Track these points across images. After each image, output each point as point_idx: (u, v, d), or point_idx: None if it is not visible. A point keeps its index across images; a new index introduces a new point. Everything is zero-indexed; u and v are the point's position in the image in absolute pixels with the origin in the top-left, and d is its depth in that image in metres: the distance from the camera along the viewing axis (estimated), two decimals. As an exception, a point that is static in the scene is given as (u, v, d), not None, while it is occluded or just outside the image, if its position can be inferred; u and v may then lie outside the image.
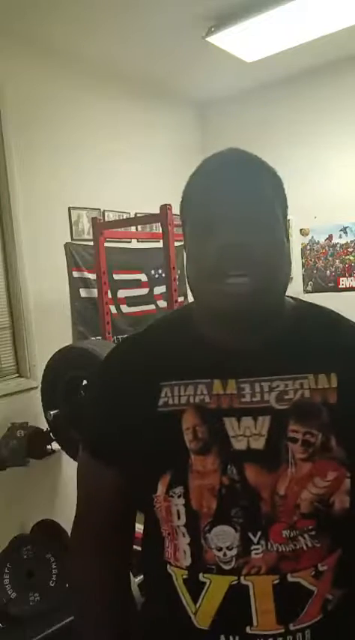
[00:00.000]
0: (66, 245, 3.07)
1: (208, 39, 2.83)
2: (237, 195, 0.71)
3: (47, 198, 2.95)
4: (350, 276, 3.63)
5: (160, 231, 2.46)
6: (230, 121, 4.02)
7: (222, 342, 0.76)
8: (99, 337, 2.91)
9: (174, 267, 2.37)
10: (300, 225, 3.79)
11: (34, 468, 2.56)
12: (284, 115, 3.75)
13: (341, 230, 3.62)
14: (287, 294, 0.82)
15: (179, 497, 0.72)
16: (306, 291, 3.82)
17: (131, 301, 3.48)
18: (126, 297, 3.45)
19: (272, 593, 0.71)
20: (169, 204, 2.35)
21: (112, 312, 3.16)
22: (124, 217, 3.36)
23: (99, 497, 0.84)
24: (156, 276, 3.63)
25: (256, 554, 0.70)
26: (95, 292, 3.00)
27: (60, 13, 2.55)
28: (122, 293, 3.42)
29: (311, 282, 3.80)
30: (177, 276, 2.45)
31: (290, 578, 0.71)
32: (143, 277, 3.58)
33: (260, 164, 0.77)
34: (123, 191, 3.37)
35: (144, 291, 3.60)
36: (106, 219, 3.24)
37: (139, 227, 3.35)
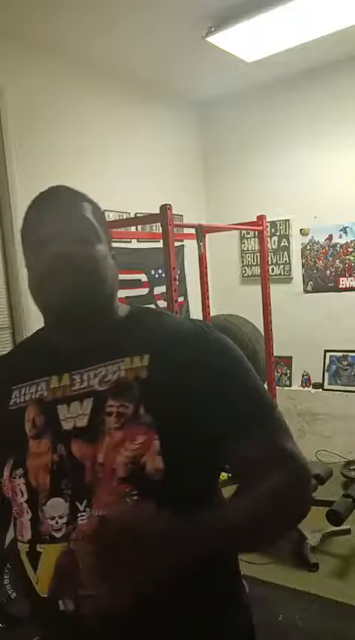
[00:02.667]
0: (66, 245, 3.07)
1: (208, 39, 2.83)
2: (61, 216, 0.86)
3: (47, 199, 2.95)
4: (350, 276, 3.62)
5: (160, 231, 2.46)
6: (230, 121, 4.02)
7: (59, 342, 0.90)
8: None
9: (174, 267, 2.37)
10: (300, 225, 3.79)
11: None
12: (284, 114, 3.75)
13: (341, 230, 3.62)
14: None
15: (20, 477, 0.83)
16: (306, 291, 3.82)
17: (131, 301, 3.47)
18: (126, 297, 3.45)
19: None
20: (169, 204, 2.35)
21: (112, 312, 3.15)
22: (124, 217, 3.36)
23: None
24: (156, 276, 3.63)
25: (82, 520, 0.78)
26: (95, 292, 3.00)
27: (60, 15, 2.55)
28: (122, 293, 3.39)
29: (311, 282, 3.80)
30: (177, 276, 2.45)
31: None
32: (143, 277, 3.58)
33: (81, 195, 0.92)
34: (123, 191, 3.37)
35: (144, 291, 3.60)
36: (106, 219, 3.24)
37: (139, 227, 3.35)
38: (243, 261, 4.13)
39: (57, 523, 0.79)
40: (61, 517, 0.79)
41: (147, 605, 0.73)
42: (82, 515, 0.78)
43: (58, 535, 0.79)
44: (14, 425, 0.86)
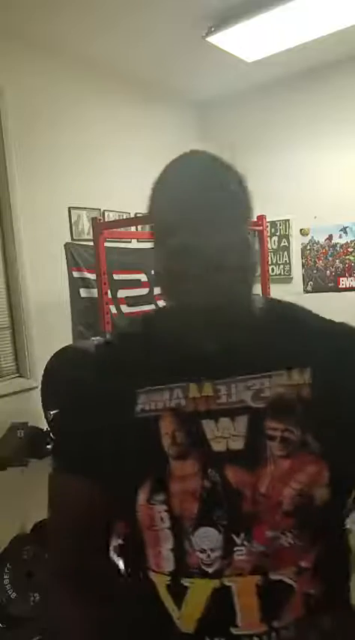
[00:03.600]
0: (66, 245, 3.07)
1: (208, 39, 2.83)
2: (199, 194, 0.72)
3: (47, 199, 2.95)
4: (350, 276, 3.62)
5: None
6: (230, 121, 4.02)
7: (196, 344, 0.74)
8: (99, 337, 2.91)
9: (174, 267, 2.37)
10: (300, 225, 3.79)
11: (34, 467, 2.55)
12: (284, 114, 3.75)
13: (341, 230, 3.62)
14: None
15: (161, 503, 0.72)
16: (306, 291, 3.82)
17: (131, 301, 3.48)
18: (126, 297, 3.45)
19: (256, 592, 0.70)
20: (169, 204, 2.35)
21: (112, 312, 3.16)
22: (124, 217, 3.36)
23: (72, 514, 0.80)
24: (157, 276, 3.63)
25: (239, 555, 0.70)
26: (95, 292, 3.00)
27: (60, 15, 2.55)
28: (122, 293, 3.41)
29: (311, 282, 3.80)
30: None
31: (272, 576, 0.70)
32: (143, 277, 3.58)
33: (225, 165, 0.78)
34: (123, 191, 3.37)
35: (144, 291, 3.59)
36: (106, 219, 3.24)
37: (139, 227, 3.35)
38: (243, 261, 4.13)
39: (209, 557, 0.70)
40: (213, 550, 0.70)
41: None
42: (239, 550, 0.70)
43: (210, 570, 0.70)
44: (146, 439, 0.73)
